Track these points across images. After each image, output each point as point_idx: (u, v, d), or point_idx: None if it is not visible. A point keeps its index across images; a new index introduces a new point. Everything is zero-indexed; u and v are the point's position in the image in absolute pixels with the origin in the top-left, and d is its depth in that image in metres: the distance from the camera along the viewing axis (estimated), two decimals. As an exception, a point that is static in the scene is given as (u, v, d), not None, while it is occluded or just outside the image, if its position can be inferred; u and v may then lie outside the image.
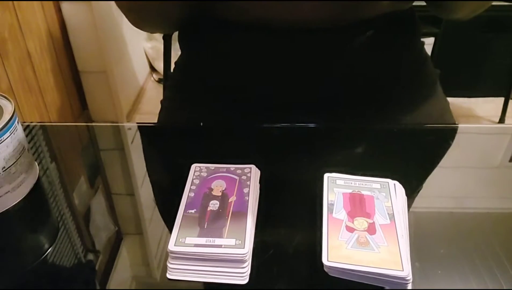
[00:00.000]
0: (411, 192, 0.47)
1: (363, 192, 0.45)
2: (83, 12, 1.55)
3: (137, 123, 0.61)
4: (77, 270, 0.42)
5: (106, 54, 1.63)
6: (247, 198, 0.44)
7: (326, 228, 0.41)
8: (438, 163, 0.54)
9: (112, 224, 0.46)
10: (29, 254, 0.43)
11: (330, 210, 0.43)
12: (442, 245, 0.42)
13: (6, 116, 0.45)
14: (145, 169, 0.54)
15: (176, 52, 0.70)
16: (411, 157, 0.54)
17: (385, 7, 0.55)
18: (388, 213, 0.42)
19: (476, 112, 1.85)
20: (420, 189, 0.49)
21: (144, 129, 0.60)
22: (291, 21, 0.53)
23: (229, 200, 0.44)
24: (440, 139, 0.57)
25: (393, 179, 0.46)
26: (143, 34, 2.07)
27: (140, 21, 0.60)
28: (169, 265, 0.39)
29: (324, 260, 0.38)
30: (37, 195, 0.49)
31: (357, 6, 0.54)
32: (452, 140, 0.57)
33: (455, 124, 0.63)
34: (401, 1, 0.55)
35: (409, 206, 0.45)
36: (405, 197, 0.45)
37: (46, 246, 0.44)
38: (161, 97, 0.83)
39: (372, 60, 0.59)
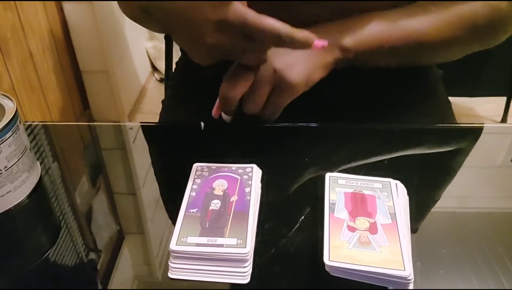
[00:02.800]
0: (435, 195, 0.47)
1: (365, 192, 0.45)
2: (85, 12, 1.55)
3: (139, 122, 0.61)
4: (79, 270, 0.42)
5: (108, 53, 1.64)
6: (249, 198, 0.44)
7: (328, 227, 0.41)
8: (439, 163, 0.54)
9: (114, 223, 0.47)
10: (31, 254, 0.43)
11: (332, 210, 0.43)
12: (444, 245, 0.42)
13: (8, 116, 0.45)
14: (146, 168, 0.54)
15: (177, 52, 0.70)
16: (412, 157, 0.54)
17: (384, 7, 0.55)
18: (389, 213, 0.42)
19: (477, 112, 1.84)
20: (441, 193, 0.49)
21: (145, 129, 0.60)
22: (292, 21, 0.53)
23: (231, 200, 0.44)
24: (442, 138, 0.57)
25: (394, 178, 0.46)
26: (144, 33, 2.07)
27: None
28: (170, 264, 0.39)
29: (326, 259, 0.38)
30: (39, 195, 0.49)
31: (356, 5, 0.54)
32: (454, 140, 0.57)
33: (457, 123, 0.63)
34: (400, 1, 0.55)
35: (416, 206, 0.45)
36: (407, 197, 0.45)
37: (48, 245, 0.44)
38: (163, 97, 0.83)
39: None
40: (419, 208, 0.45)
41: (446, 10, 0.53)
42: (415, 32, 0.53)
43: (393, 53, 0.54)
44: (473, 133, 0.59)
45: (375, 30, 0.53)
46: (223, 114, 0.53)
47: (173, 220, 0.42)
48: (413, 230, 0.42)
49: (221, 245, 0.39)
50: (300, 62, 0.51)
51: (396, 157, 0.53)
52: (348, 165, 0.50)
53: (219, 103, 0.52)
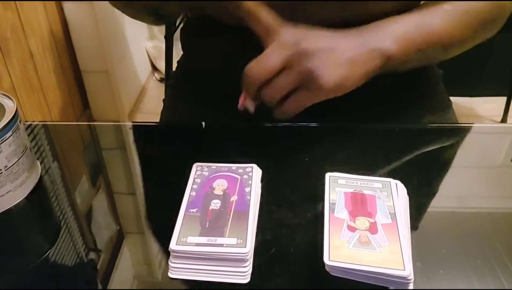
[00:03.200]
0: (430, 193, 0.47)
1: (365, 192, 0.45)
2: (85, 11, 1.55)
3: (138, 122, 0.61)
4: (78, 269, 0.42)
5: (108, 53, 1.64)
6: (249, 197, 0.44)
7: (328, 227, 0.41)
8: (440, 163, 0.54)
9: (113, 223, 0.47)
10: (31, 253, 0.43)
11: (332, 210, 0.43)
12: (443, 245, 0.42)
13: (8, 115, 0.45)
14: (147, 168, 0.54)
15: (177, 51, 0.70)
16: (412, 157, 0.54)
17: (385, 7, 0.55)
18: (389, 213, 0.42)
19: (477, 112, 1.85)
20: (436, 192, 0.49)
21: (145, 128, 0.60)
22: (292, 21, 0.53)
23: (231, 199, 0.44)
24: (443, 138, 0.57)
25: (394, 178, 0.46)
26: (144, 33, 2.07)
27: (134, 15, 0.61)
28: (170, 264, 0.39)
29: (326, 259, 0.38)
30: (39, 194, 0.49)
31: (359, 5, 0.54)
32: (455, 140, 0.57)
33: (457, 123, 0.63)
34: (402, 1, 0.55)
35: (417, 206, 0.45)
36: (407, 197, 0.45)
37: (48, 245, 0.44)
38: (163, 96, 0.83)
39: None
40: (419, 208, 0.45)
41: (460, 8, 0.54)
42: (438, 32, 0.53)
43: (422, 56, 0.54)
44: (473, 133, 0.59)
45: (411, 33, 0.51)
46: (247, 102, 0.50)
47: (173, 220, 0.42)
48: (414, 227, 0.42)
49: (221, 245, 0.39)
50: (341, 66, 0.47)
51: (396, 157, 0.53)
52: (348, 165, 0.50)
53: (243, 83, 0.49)
